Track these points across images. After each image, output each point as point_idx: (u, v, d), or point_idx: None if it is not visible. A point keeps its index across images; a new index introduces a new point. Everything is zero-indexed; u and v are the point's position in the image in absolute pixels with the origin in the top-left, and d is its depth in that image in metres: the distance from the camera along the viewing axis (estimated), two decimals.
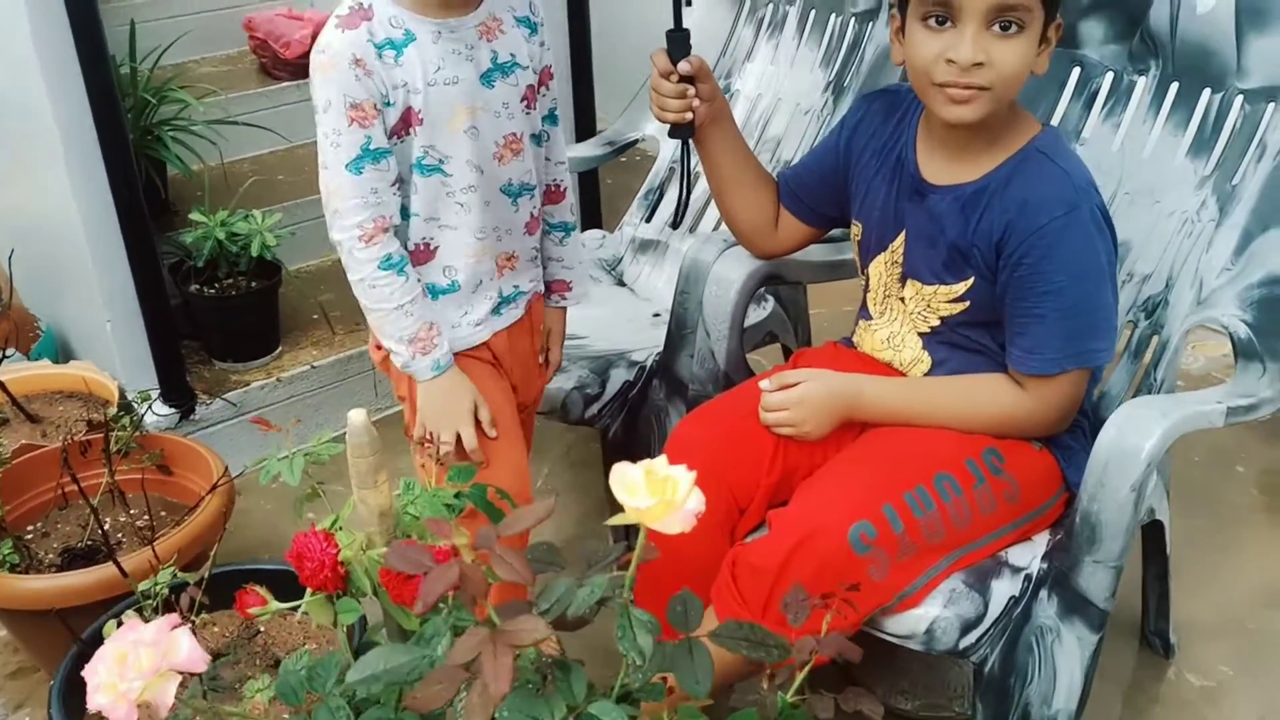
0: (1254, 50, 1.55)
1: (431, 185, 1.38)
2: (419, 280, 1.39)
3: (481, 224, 1.43)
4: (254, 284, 2.30)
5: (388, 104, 1.32)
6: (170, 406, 2.20)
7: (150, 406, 2.01)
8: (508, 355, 1.53)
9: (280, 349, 2.40)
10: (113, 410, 2.01)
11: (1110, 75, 1.71)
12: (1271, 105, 1.55)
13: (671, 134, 1.63)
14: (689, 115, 1.57)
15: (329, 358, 2.39)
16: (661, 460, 0.85)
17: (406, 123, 1.34)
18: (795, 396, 1.45)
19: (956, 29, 1.31)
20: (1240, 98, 1.58)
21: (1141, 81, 1.68)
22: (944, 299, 1.46)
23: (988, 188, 1.39)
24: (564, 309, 1.64)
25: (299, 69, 2.90)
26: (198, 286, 2.29)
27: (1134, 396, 1.61)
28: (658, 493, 0.83)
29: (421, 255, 1.42)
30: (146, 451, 1.86)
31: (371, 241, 1.34)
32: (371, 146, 1.31)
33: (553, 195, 1.57)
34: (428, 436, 1.41)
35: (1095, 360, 1.39)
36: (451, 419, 1.42)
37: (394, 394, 1.55)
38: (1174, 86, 1.65)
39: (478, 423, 1.44)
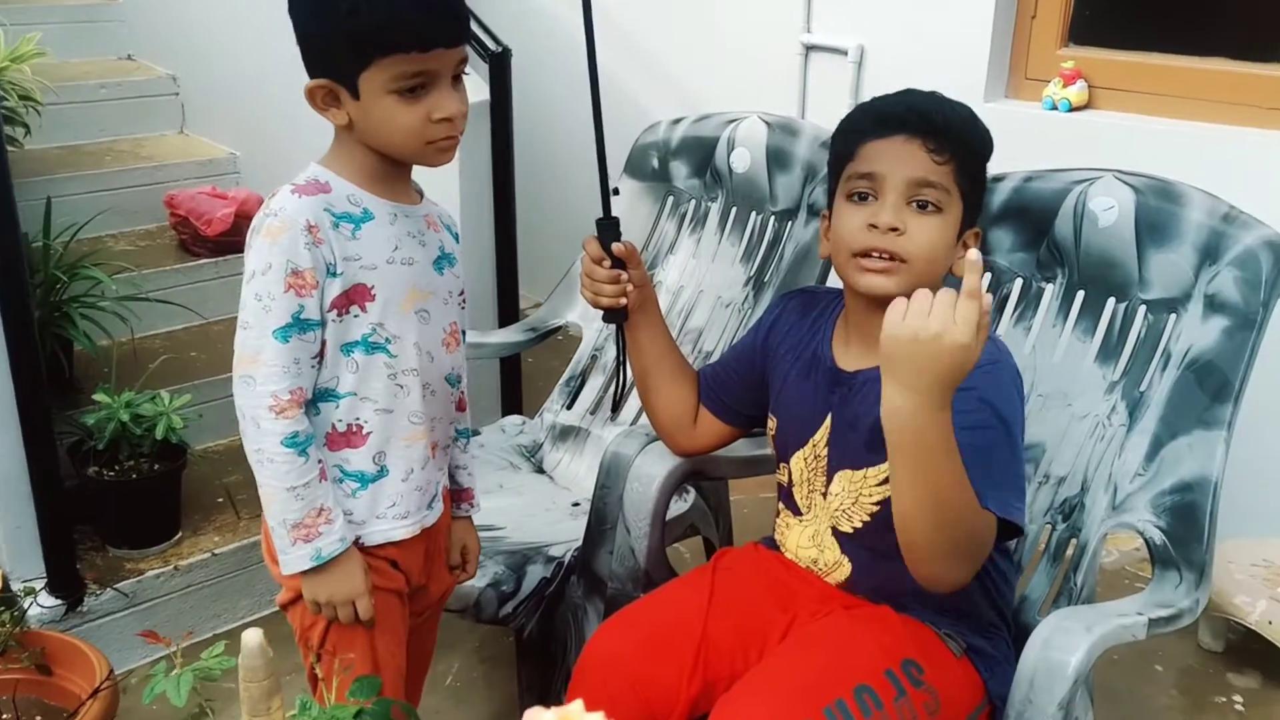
0: (1154, 263, 1.62)
1: (374, 364, 1.34)
2: (320, 463, 1.32)
3: (420, 409, 1.38)
4: (157, 466, 2.22)
5: (333, 274, 1.29)
6: (57, 598, 2.07)
7: (35, 600, 1.89)
8: (414, 557, 1.45)
9: (180, 535, 2.30)
10: None
11: (1020, 281, 1.77)
12: (1173, 316, 1.60)
13: (605, 319, 1.64)
14: (623, 300, 1.58)
15: (231, 544, 2.29)
16: (576, 707, 0.79)
17: (351, 299, 1.31)
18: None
19: (879, 201, 1.39)
20: (1143, 308, 1.64)
21: (1049, 288, 1.73)
22: (873, 482, 1.43)
23: None
24: (470, 518, 1.59)
25: (219, 246, 2.89)
26: (97, 469, 2.19)
27: (1054, 601, 1.60)
28: None
29: (352, 438, 1.35)
30: (26, 650, 1.74)
31: (282, 414, 1.28)
32: (303, 316, 1.27)
33: (459, 401, 1.54)
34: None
35: (1016, 516, 1.28)
36: (342, 591, 1.34)
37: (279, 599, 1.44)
38: (1080, 295, 1.71)
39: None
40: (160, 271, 2.83)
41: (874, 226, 1.38)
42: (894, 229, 1.37)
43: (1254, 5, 2.39)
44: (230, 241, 2.86)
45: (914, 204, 1.38)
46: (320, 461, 1.32)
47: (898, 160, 1.39)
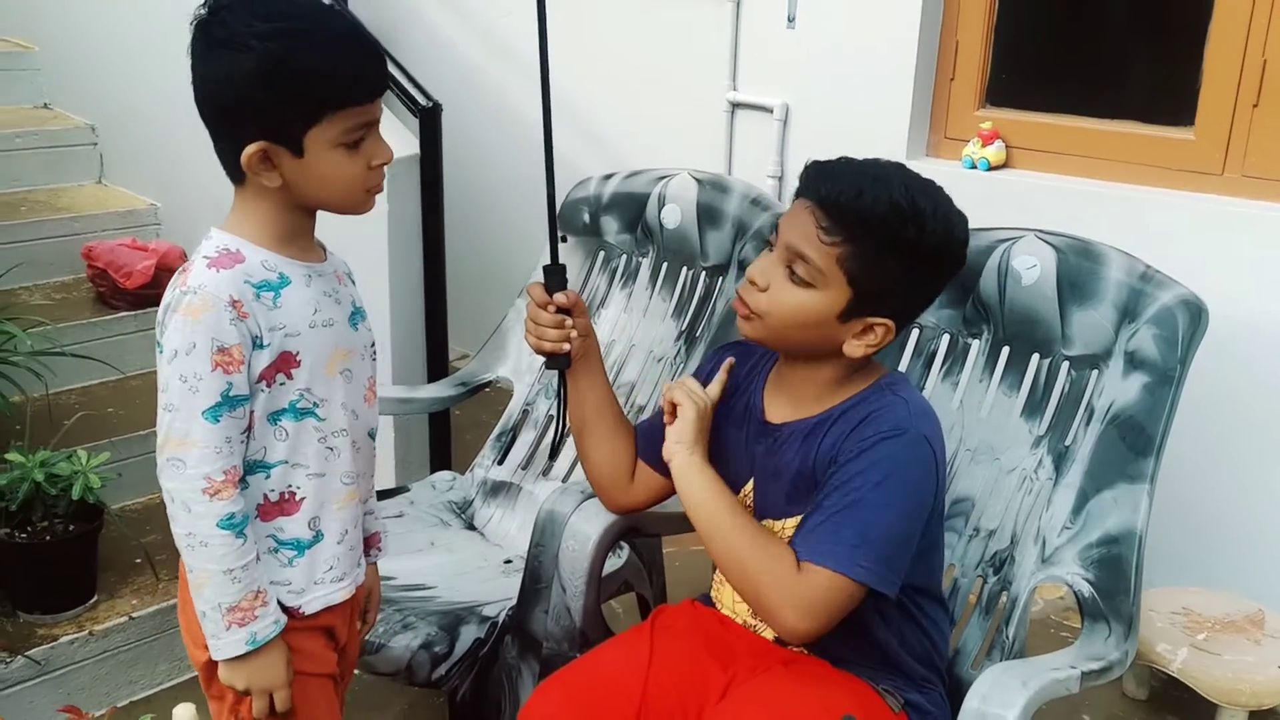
0: (1076, 321, 1.67)
1: (304, 430, 1.32)
2: (256, 544, 1.29)
3: (350, 469, 1.37)
4: (72, 528, 2.14)
5: (260, 346, 1.26)
6: None
7: None
8: (345, 619, 1.43)
9: (96, 598, 2.21)
10: None
11: (947, 337, 1.80)
12: (1095, 372, 1.65)
13: (548, 365, 1.64)
14: (566, 346, 1.58)
15: (150, 607, 2.21)
16: None
17: (279, 368, 1.28)
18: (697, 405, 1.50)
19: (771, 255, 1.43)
20: (1066, 363, 1.68)
21: (975, 344, 1.77)
22: (791, 533, 1.44)
23: (830, 418, 1.42)
24: (375, 564, 1.56)
25: (138, 299, 2.82)
26: (8, 531, 2.10)
27: (988, 654, 1.62)
28: None
29: (286, 506, 1.32)
30: None
31: (217, 496, 1.24)
32: (232, 393, 1.24)
33: None
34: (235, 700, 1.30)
35: (859, 574, 1.31)
36: (264, 680, 1.30)
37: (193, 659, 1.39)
38: (1005, 350, 1.75)
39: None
40: (77, 325, 2.75)
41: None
42: (753, 282, 1.41)
43: (1159, 72, 2.49)
44: (150, 294, 2.79)
45: (789, 270, 1.39)
46: (255, 543, 1.29)
47: (791, 224, 1.39)
